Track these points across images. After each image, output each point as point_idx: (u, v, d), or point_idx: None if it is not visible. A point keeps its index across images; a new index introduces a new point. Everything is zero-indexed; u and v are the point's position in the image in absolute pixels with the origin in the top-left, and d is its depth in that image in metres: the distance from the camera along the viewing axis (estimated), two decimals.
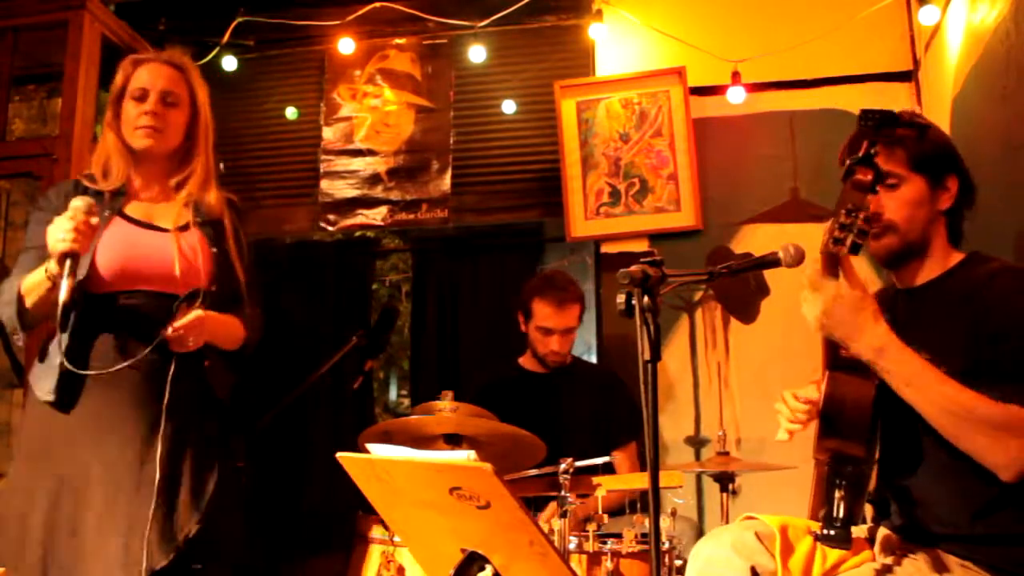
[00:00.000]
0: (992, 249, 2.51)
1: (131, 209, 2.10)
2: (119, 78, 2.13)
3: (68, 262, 1.80)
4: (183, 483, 1.96)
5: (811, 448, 1.60)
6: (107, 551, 1.86)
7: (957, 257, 1.68)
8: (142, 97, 2.09)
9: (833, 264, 1.50)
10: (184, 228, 2.08)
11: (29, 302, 1.93)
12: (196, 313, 1.94)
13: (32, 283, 1.92)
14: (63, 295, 1.79)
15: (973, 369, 1.48)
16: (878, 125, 1.45)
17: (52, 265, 1.85)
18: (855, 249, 1.46)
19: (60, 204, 1.98)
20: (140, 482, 1.91)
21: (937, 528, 1.55)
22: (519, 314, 3.07)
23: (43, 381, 1.96)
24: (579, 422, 2.98)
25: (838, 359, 1.54)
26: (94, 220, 1.88)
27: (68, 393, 1.94)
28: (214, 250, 2.08)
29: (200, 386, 2.05)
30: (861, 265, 1.62)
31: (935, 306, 1.63)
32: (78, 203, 1.86)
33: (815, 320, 1.52)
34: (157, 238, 2.05)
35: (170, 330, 1.92)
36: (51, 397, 1.93)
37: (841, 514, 1.48)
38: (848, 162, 1.45)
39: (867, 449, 1.55)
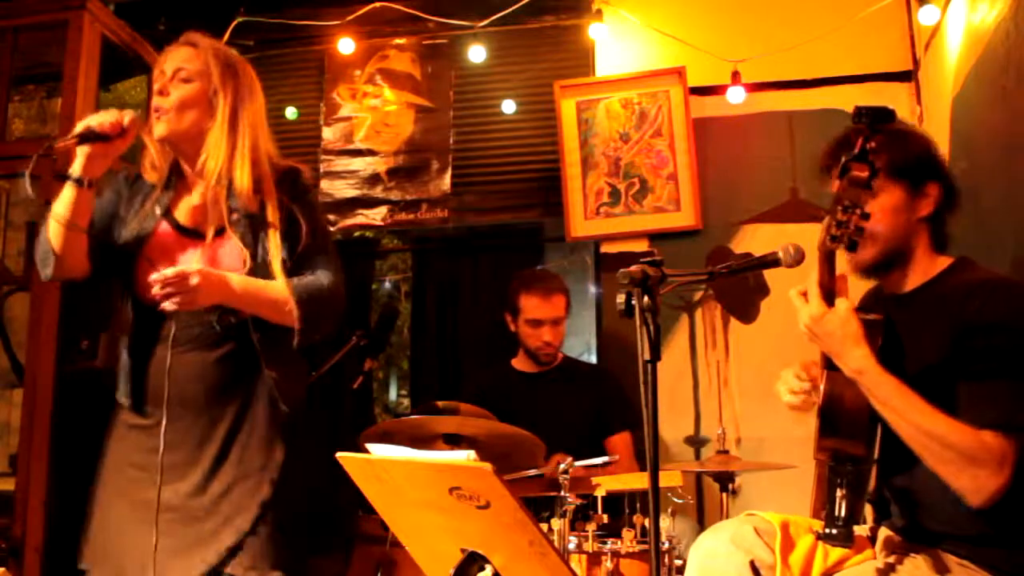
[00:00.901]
0: (992, 249, 2.52)
1: (179, 209, 2.03)
2: (154, 78, 2.06)
3: (87, 140, 1.83)
4: (215, 498, 1.93)
5: (811, 448, 1.61)
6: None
7: (943, 263, 1.67)
8: (158, 81, 2.00)
9: (829, 265, 1.50)
10: (221, 231, 1.96)
11: (54, 224, 1.90)
12: (184, 267, 1.81)
13: (60, 202, 1.89)
14: (73, 165, 1.85)
15: (953, 367, 1.50)
16: (873, 121, 1.44)
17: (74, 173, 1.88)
18: (852, 246, 1.47)
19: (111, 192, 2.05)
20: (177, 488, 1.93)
21: (937, 528, 1.56)
22: (507, 315, 3.11)
23: (123, 386, 1.99)
24: (572, 420, 3.00)
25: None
26: (127, 119, 1.87)
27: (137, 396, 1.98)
28: (246, 257, 1.94)
29: (251, 396, 1.98)
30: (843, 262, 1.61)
31: (922, 314, 1.63)
32: (125, 112, 1.89)
33: (804, 330, 1.55)
34: (198, 250, 1.96)
35: (156, 286, 1.80)
36: (127, 400, 1.97)
37: (843, 513, 1.48)
38: (844, 158, 1.44)
39: (867, 448, 1.55)
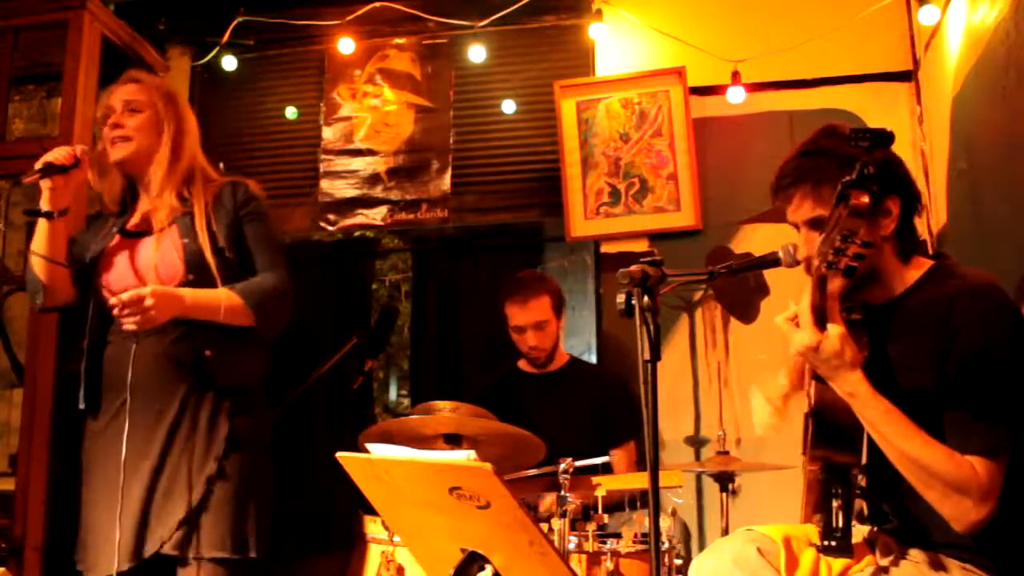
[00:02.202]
0: (992, 249, 2.52)
1: (132, 222, 2.27)
2: (99, 112, 2.32)
3: (48, 173, 2.07)
4: (168, 478, 2.08)
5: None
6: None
7: (918, 271, 1.62)
8: (109, 115, 2.26)
9: (822, 289, 1.46)
10: (170, 224, 2.20)
11: (37, 265, 2.16)
12: (137, 290, 2.00)
13: (36, 237, 2.16)
14: (41, 200, 2.10)
15: (940, 395, 1.48)
16: (872, 144, 1.37)
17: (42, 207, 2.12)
18: (850, 272, 1.41)
19: (85, 230, 2.33)
20: (138, 470, 2.07)
21: (937, 536, 1.55)
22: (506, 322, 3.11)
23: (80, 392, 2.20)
24: (577, 422, 2.99)
25: None
26: (79, 151, 2.13)
27: (91, 398, 2.19)
28: (185, 240, 2.16)
29: (196, 376, 2.13)
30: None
31: (901, 324, 1.60)
32: (76, 145, 2.15)
33: (795, 355, 1.52)
34: (140, 244, 2.20)
35: (114, 308, 2.00)
36: (82, 405, 2.18)
37: (840, 523, 1.48)
38: (840, 186, 1.37)
39: (857, 455, 1.55)
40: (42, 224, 2.14)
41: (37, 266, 2.16)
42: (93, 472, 2.16)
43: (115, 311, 2.00)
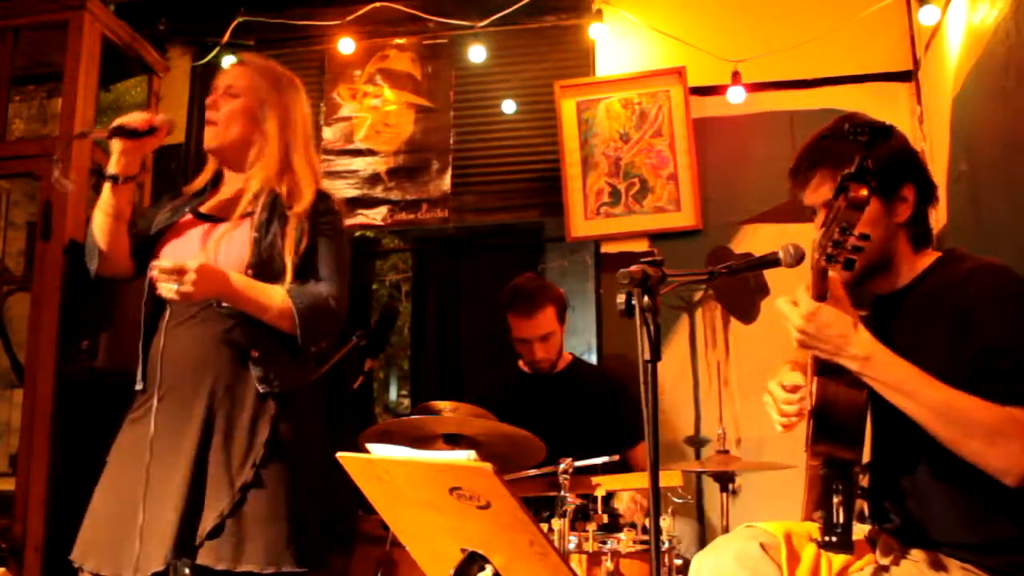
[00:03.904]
0: (993, 248, 2.52)
1: (208, 205, 2.15)
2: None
3: (118, 134, 1.96)
4: (201, 480, 1.93)
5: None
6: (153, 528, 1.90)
7: (927, 260, 1.64)
8: (211, 95, 2.16)
9: (822, 281, 1.46)
10: (248, 215, 2.06)
11: (97, 221, 2.04)
12: (183, 262, 1.88)
13: (100, 202, 2.05)
14: (109, 163, 1.99)
15: (959, 375, 1.46)
16: (871, 138, 1.37)
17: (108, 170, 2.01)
18: (849, 265, 1.40)
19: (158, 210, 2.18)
20: (175, 467, 1.93)
21: (937, 536, 1.55)
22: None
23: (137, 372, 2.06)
24: (580, 424, 2.98)
25: (826, 363, 1.51)
26: (159, 119, 2.00)
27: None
28: (255, 235, 2.02)
29: (241, 376, 2.01)
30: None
31: (911, 311, 1.60)
32: (156, 113, 2.03)
33: (796, 335, 1.50)
34: (210, 229, 2.07)
35: (155, 271, 1.88)
36: (139, 385, 2.05)
37: (841, 519, 1.47)
38: (840, 179, 1.35)
39: (859, 451, 1.54)
40: (107, 188, 2.01)
41: (99, 229, 2.03)
42: (120, 466, 2.00)
43: (153, 274, 1.88)
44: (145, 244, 2.11)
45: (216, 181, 2.21)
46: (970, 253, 1.63)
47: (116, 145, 1.99)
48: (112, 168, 2.00)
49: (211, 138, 2.13)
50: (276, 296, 1.99)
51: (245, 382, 2.00)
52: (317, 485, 2.07)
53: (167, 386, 1.99)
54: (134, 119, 1.98)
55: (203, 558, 1.88)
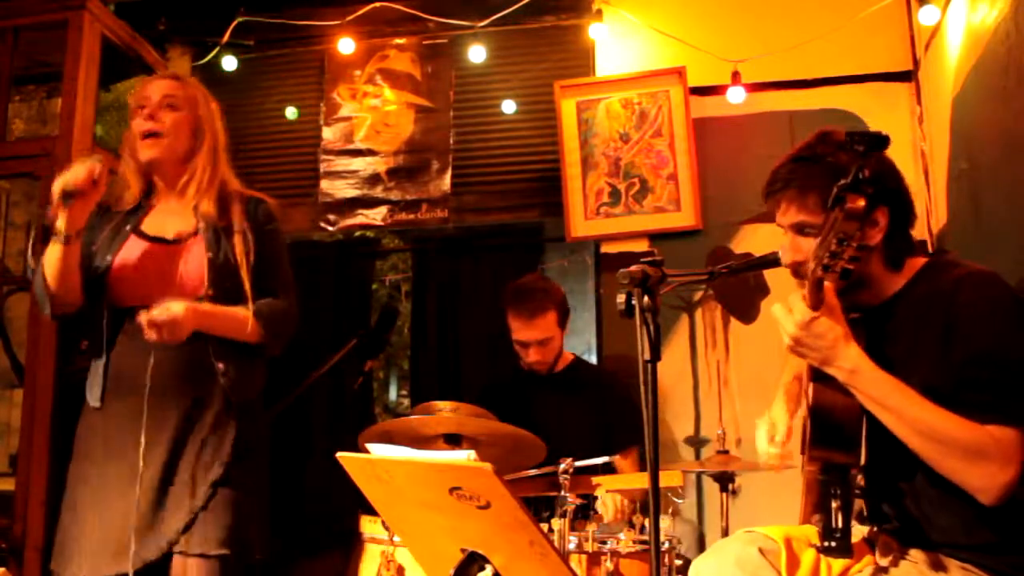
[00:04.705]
0: (993, 248, 2.52)
1: (148, 223, 2.19)
2: (131, 102, 2.23)
3: (68, 200, 1.97)
4: (175, 481, 2.05)
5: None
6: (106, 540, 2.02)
7: (909, 272, 1.62)
8: (143, 107, 2.17)
9: (818, 291, 1.46)
10: (194, 234, 2.15)
11: (49, 273, 2.07)
12: (172, 312, 1.98)
13: (49, 255, 2.06)
14: (58, 222, 1.99)
15: (948, 385, 1.46)
16: (868, 148, 1.34)
17: (60, 231, 2.02)
18: (845, 275, 1.40)
19: (93, 231, 2.18)
20: (137, 476, 2.03)
21: (935, 536, 1.55)
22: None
23: (93, 389, 2.14)
24: (579, 424, 2.98)
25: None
26: (97, 169, 2.00)
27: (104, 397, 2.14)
28: (210, 255, 2.12)
29: (208, 387, 2.12)
30: None
31: (903, 319, 1.59)
32: (93, 161, 2.02)
33: (789, 342, 1.50)
34: (163, 251, 2.14)
35: (143, 318, 1.97)
36: (97, 404, 2.12)
37: (840, 524, 1.47)
38: (836, 189, 1.35)
39: (856, 455, 1.54)
40: (56, 247, 2.04)
41: (51, 278, 2.07)
42: (88, 476, 2.11)
43: (142, 320, 1.97)
44: (92, 273, 2.14)
45: (147, 194, 2.24)
46: (959, 259, 1.62)
47: (64, 210, 2.00)
48: (63, 228, 2.02)
49: (156, 149, 2.15)
50: (243, 317, 2.11)
51: (212, 392, 2.12)
52: (267, 479, 2.24)
53: (134, 398, 2.07)
54: (76, 179, 1.98)
55: (180, 547, 2.00)
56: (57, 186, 1.99)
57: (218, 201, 2.19)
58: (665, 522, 2.27)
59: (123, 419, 2.08)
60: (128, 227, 2.18)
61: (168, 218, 2.19)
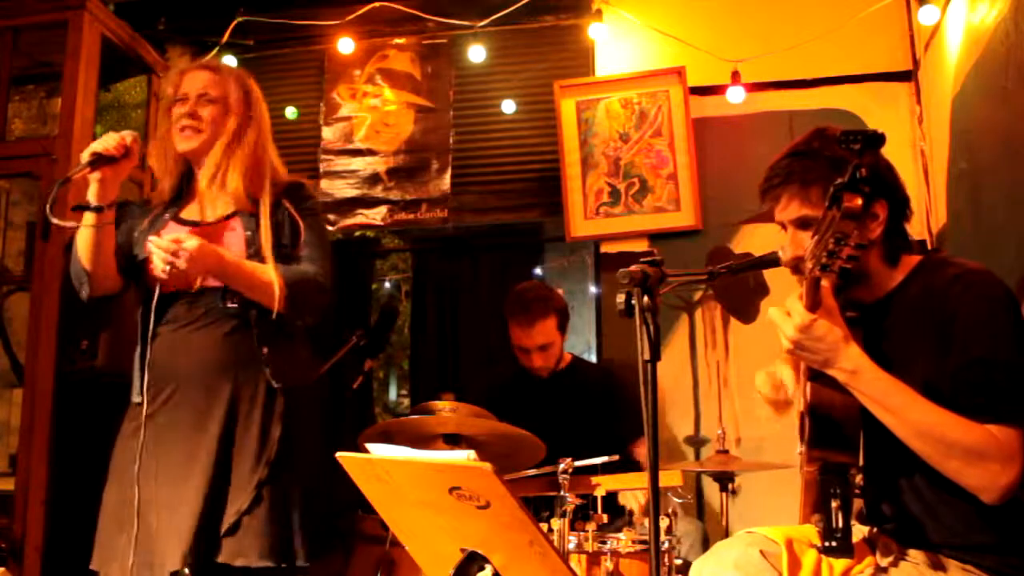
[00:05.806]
0: (993, 248, 2.52)
1: (188, 211, 2.19)
2: (168, 89, 2.23)
3: (96, 164, 1.96)
4: (221, 481, 2.00)
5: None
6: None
7: (905, 268, 1.62)
8: (183, 100, 2.18)
9: (816, 291, 1.46)
10: (234, 215, 2.14)
11: (82, 250, 2.06)
12: (178, 237, 1.94)
13: (81, 232, 2.06)
14: (88, 192, 1.99)
15: (944, 384, 1.46)
16: (865, 146, 1.33)
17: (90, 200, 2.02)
18: (844, 274, 1.40)
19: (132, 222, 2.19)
20: (186, 477, 1.99)
21: (935, 536, 1.55)
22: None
23: (135, 384, 2.08)
24: (580, 423, 2.98)
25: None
26: (129, 139, 2.01)
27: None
28: (248, 234, 2.10)
29: (253, 375, 2.08)
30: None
31: (898, 318, 1.59)
32: (126, 132, 2.03)
33: (788, 345, 1.50)
34: (202, 234, 2.07)
35: (151, 246, 1.95)
36: (137, 398, 2.06)
37: (840, 524, 1.47)
38: (832, 189, 1.34)
39: (855, 455, 1.54)
40: (88, 218, 2.02)
41: (85, 255, 2.06)
42: (126, 473, 2.03)
43: (150, 247, 1.95)
44: (133, 262, 2.14)
45: (188, 183, 2.23)
46: (951, 257, 1.62)
47: (95, 175, 2.00)
48: (94, 199, 2.01)
49: (194, 141, 2.15)
50: (265, 272, 2.05)
51: (257, 380, 2.07)
52: (318, 482, 2.13)
53: (177, 390, 2.04)
54: (107, 145, 1.97)
55: (223, 556, 1.94)
56: (86, 153, 1.97)
57: (256, 184, 2.16)
58: (665, 522, 2.27)
59: (168, 416, 2.03)
60: (167, 215, 2.17)
61: (207, 205, 2.17)
